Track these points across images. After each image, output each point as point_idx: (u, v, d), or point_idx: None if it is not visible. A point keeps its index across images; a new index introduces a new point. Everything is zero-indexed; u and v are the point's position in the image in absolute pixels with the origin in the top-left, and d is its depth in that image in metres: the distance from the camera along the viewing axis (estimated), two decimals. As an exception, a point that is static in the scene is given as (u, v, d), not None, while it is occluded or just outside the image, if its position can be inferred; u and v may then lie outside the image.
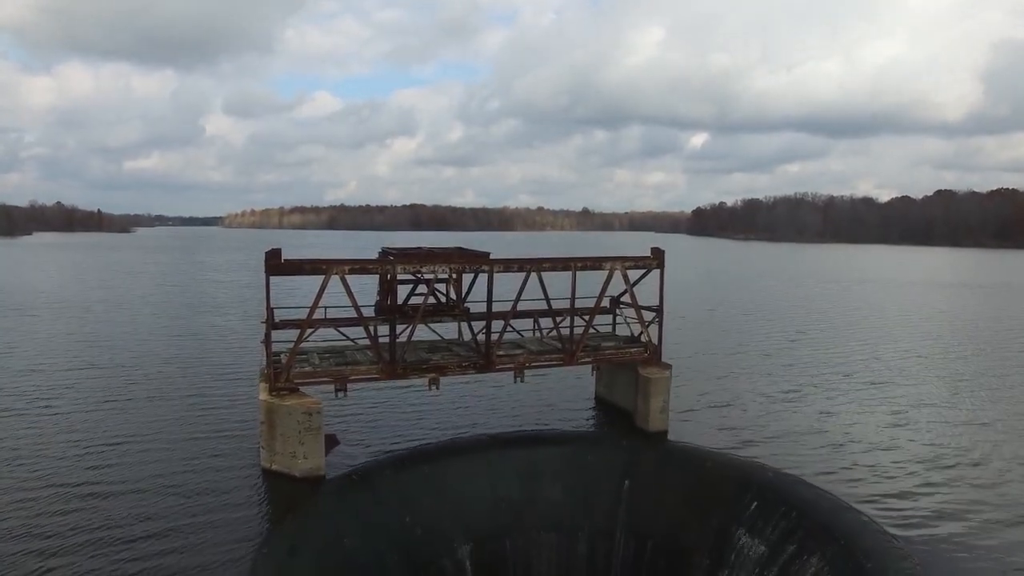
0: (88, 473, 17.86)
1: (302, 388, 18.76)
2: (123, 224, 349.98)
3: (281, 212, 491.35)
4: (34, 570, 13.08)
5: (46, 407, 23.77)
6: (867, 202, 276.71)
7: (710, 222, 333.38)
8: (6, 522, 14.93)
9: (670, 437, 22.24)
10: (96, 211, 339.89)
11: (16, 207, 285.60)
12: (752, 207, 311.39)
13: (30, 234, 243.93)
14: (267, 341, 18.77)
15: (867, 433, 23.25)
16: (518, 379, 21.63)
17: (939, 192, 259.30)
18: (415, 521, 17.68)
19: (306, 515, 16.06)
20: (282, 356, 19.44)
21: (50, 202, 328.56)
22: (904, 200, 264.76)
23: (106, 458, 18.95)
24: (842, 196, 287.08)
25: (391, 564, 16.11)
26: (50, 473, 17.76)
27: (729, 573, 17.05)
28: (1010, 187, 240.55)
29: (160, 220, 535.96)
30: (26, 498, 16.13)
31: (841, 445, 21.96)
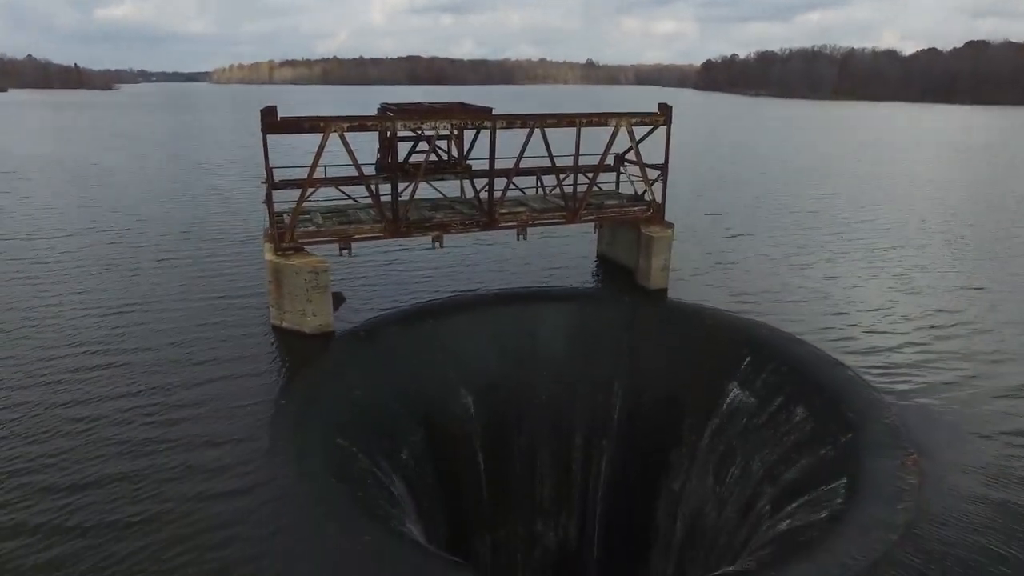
0: (104, 340, 18.13)
1: (307, 248, 18.88)
2: (104, 81, 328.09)
3: (271, 66, 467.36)
4: (68, 432, 13.80)
5: (54, 274, 23.83)
6: (889, 55, 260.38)
7: (720, 76, 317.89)
8: (33, 391, 15.27)
9: (670, 295, 22.70)
10: (73, 66, 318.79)
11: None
12: (765, 60, 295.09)
13: (5, 91, 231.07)
14: (269, 201, 18.58)
15: (868, 295, 23.62)
16: (521, 237, 21.70)
17: (969, 44, 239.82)
18: (422, 374, 18.51)
19: (318, 370, 16.79)
20: (284, 216, 19.34)
21: (20, 55, 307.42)
22: (930, 53, 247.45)
23: (119, 323, 19.27)
24: (863, 49, 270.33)
25: (399, 414, 17.07)
26: (68, 340, 18.02)
27: (719, 422, 18.11)
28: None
29: (143, 76, 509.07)
30: (47, 367, 16.39)
31: (840, 306, 22.39)
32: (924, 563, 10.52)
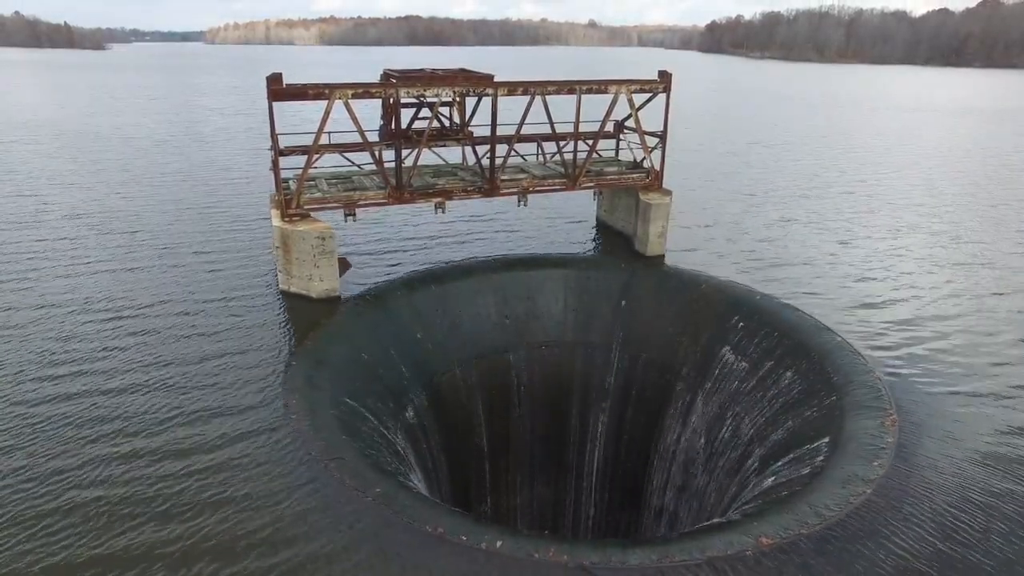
0: (116, 307, 18.46)
1: (312, 214, 19.31)
2: (96, 40, 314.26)
3: (267, 25, 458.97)
4: (93, 384, 14.40)
5: (66, 242, 23.97)
6: (899, 16, 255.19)
7: (724, 37, 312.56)
8: (51, 363, 15.66)
9: (667, 261, 23.19)
10: (63, 24, 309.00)
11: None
12: (771, 21, 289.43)
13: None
14: (275, 168, 18.92)
15: (860, 263, 24.08)
16: (522, 203, 22.11)
17: (984, 3, 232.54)
18: (426, 337, 19.16)
19: (327, 332, 17.38)
20: (290, 183, 19.71)
21: (7, 11, 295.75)
22: (942, 13, 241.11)
23: (130, 291, 19.48)
24: (872, 9, 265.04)
25: (405, 375, 17.74)
26: (82, 307, 18.36)
27: (712, 385, 18.81)
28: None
29: (136, 35, 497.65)
30: (70, 341, 16.65)
31: (831, 274, 22.88)
32: (892, 514, 11.29)
